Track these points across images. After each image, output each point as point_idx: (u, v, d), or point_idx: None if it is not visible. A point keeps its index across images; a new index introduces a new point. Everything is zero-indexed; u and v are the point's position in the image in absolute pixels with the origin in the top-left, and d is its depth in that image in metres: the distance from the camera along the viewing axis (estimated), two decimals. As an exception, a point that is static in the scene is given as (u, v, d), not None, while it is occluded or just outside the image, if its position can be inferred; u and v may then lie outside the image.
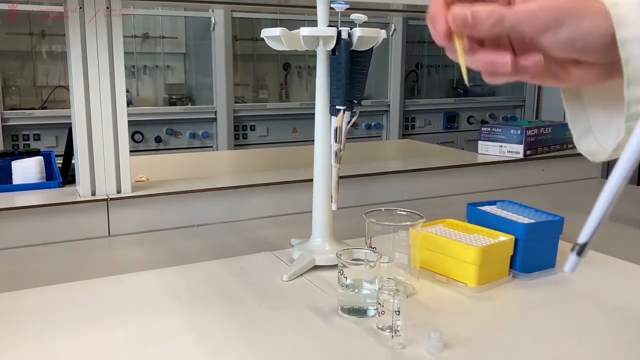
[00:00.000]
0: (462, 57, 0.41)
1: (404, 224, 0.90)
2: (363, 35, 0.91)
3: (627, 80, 0.40)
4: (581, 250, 0.36)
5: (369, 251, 0.86)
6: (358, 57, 0.93)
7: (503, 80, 0.42)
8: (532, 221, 0.99)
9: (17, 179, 1.29)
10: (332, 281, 0.93)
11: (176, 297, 0.89)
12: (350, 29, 0.91)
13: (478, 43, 0.42)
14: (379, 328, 0.78)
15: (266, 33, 0.92)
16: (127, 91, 3.10)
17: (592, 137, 0.48)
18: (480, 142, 1.72)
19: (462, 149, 2.92)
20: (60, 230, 1.15)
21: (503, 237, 0.95)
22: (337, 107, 0.93)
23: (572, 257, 0.37)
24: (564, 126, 1.59)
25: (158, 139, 3.08)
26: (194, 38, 3.46)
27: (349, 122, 0.94)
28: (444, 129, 3.90)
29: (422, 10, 1.27)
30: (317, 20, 0.94)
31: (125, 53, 1.18)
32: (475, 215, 1.04)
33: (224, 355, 0.72)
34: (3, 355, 0.72)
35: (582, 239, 0.37)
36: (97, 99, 1.17)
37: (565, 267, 0.37)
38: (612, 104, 0.46)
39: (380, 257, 0.83)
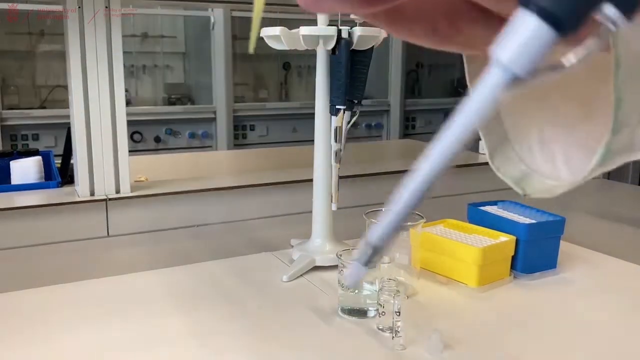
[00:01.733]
0: None
1: (404, 224, 0.90)
2: (363, 35, 0.91)
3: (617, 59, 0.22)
4: (371, 257, 0.22)
5: (369, 251, 0.85)
6: (358, 56, 0.92)
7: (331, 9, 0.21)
8: (533, 221, 0.98)
9: (15, 179, 1.29)
10: (332, 281, 0.93)
11: (176, 297, 0.88)
12: (351, 28, 0.91)
13: None
14: (379, 329, 0.78)
15: (266, 32, 0.92)
16: (126, 91, 3.10)
17: (512, 151, 0.33)
18: (480, 142, 1.71)
19: (462, 148, 2.91)
20: (59, 231, 1.15)
21: (504, 238, 0.95)
22: (337, 106, 0.92)
23: (356, 267, 0.22)
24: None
25: (157, 139, 3.07)
26: (193, 37, 3.45)
27: (349, 122, 0.94)
28: (444, 128, 3.90)
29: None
30: (317, 20, 0.94)
31: (124, 52, 1.18)
32: (476, 216, 1.04)
33: (223, 355, 0.72)
34: (3, 354, 0.71)
35: (373, 239, 0.22)
36: (96, 99, 1.17)
37: (346, 281, 0.22)
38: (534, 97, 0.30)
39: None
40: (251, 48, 0.26)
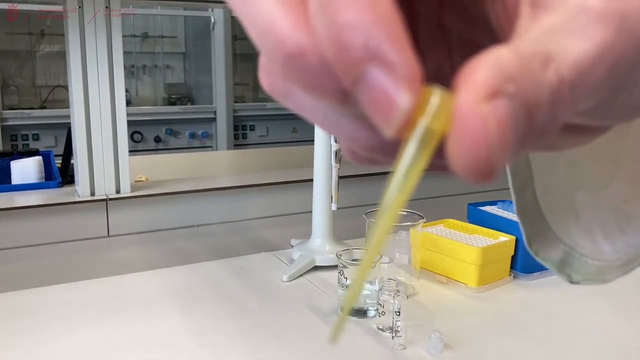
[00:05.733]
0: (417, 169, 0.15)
1: (404, 224, 0.90)
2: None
3: None
4: None
5: (369, 251, 0.85)
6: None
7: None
8: (533, 221, 0.98)
9: (16, 179, 1.29)
10: (332, 281, 0.93)
11: (176, 297, 0.88)
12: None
13: None
14: (379, 329, 0.78)
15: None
16: (127, 91, 3.10)
17: (548, 229, 0.30)
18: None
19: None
20: (59, 231, 1.15)
21: (504, 238, 0.95)
22: (337, 107, 0.92)
23: None
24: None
25: (157, 139, 3.07)
26: (193, 37, 3.45)
27: (349, 122, 0.94)
28: (444, 128, 3.90)
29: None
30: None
31: (124, 53, 1.18)
32: (476, 216, 1.04)
33: (223, 355, 0.72)
34: (3, 354, 0.71)
35: None
36: (96, 99, 1.17)
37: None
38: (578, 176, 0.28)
39: (381, 257, 0.82)
40: (334, 338, 0.17)
